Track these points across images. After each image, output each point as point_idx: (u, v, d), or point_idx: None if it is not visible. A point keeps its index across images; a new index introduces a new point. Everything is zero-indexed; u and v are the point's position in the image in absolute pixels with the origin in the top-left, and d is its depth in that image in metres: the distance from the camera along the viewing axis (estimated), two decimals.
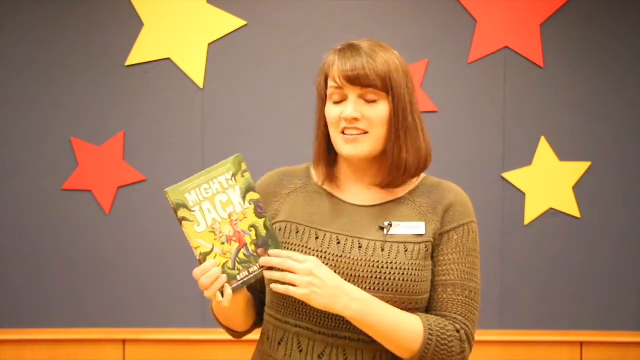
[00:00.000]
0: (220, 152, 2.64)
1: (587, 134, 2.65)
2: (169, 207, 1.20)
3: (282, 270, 1.19)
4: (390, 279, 1.22)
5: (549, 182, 2.65)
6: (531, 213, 2.65)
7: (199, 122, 2.65)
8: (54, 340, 2.62)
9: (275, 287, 1.19)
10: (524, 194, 2.65)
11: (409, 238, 1.26)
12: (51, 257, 2.64)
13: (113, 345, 2.63)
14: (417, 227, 1.27)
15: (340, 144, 1.28)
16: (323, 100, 1.31)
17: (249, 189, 1.23)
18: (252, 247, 1.21)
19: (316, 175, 1.36)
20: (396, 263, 1.23)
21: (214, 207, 1.21)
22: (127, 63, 2.63)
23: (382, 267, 1.23)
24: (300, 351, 1.27)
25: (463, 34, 2.64)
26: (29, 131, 2.64)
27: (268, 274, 1.21)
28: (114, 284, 2.64)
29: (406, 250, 1.25)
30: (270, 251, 1.21)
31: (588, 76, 2.65)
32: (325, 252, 1.25)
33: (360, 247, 1.25)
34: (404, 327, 1.21)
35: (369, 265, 1.23)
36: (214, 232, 1.20)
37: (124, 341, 2.63)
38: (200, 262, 1.19)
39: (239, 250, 1.20)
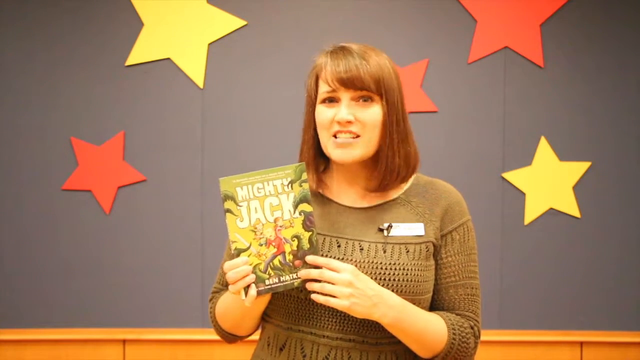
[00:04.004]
0: (220, 152, 2.64)
1: (587, 134, 2.65)
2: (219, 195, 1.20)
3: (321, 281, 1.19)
4: (393, 279, 1.23)
5: (549, 182, 2.65)
6: (531, 213, 2.65)
7: (199, 122, 2.65)
8: (54, 340, 2.62)
9: (315, 297, 1.19)
10: (524, 194, 2.65)
11: (409, 239, 1.27)
12: (51, 257, 2.64)
13: (113, 345, 2.63)
14: (416, 228, 1.28)
15: (331, 148, 1.27)
16: (313, 102, 1.30)
17: (303, 199, 1.21)
18: (289, 257, 1.20)
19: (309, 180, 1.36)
20: (399, 264, 1.24)
21: (262, 208, 1.20)
22: (127, 63, 2.63)
23: (385, 269, 1.23)
24: (304, 356, 1.26)
25: (463, 34, 2.64)
26: (29, 131, 2.64)
27: (307, 285, 1.20)
28: (114, 284, 2.64)
29: (407, 251, 1.26)
30: (308, 257, 1.20)
31: (588, 76, 2.65)
32: (327, 257, 1.25)
33: (361, 249, 1.25)
34: (431, 329, 1.24)
35: (372, 267, 1.23)
36: (255, 232, 1.19)
37: (124, 341, 2.63)
38: (233, 257, 1.19)
39: (275, 256, 1.19)
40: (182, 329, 2.64)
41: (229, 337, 1.41)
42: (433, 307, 1.32)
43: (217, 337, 2.56)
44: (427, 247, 1.28)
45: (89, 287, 2.64)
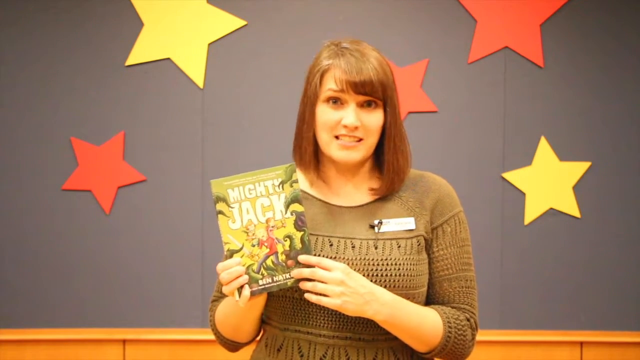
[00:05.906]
0: (220, 152, 2.64)
1: (587, 134, 2.65)
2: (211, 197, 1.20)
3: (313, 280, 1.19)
4: (386, 275, 1.24)
5: (549, 182, 2.65)
6: (531, 213, 2.65)
7: (199, 122, 2.65)
8: (54, 340, 2.62)
9: (308, 297, 1.20)
10: (524, 194, 2.65)
11: (400, 234, 1.28)
12: (51, 257, 2.64)
13: (113, 345, 2.63)
14: (407, 223, 1.29)
15: (334, 149, 1.28)
16: (315, 99, 1.29)
17: (294, 199, 1.21)
18: (282, 257, 1.20)
19: (305, 178, 1.36)
20: (391, 259, 1.25)
21: (254, 208, 1.20)
22: (127, 63, 2.63)
23: (378, 265, 1.24)
24: (301, 356, 1.27)
25: (463, 34, 2.64)
26: (29, 131, 2.64)
27: (300, 285, 1.20)
28: (114, 284, 2.64)
29: (399, 246, 1.26)
30: (300, 257, 1.20)
31: (588, 76, 2.65)
32: (319, 256, 1.25)
33: (353, 247, 1.26)
34: (426, 323, 1.25)
35: (364, 264, 1.24)
36: (247, 233, 1.20)
37: (124, 341, 2.63)
38: (227, 259, 1.20)
39: (267, 257, 1.20)
40: (182, 329, 2.64)
41: (231, 345, 1.41)
42: (429, 301, 1.32)
43: None
44: (418, 241, 1.28)
45: (89, 287, 2.64)
